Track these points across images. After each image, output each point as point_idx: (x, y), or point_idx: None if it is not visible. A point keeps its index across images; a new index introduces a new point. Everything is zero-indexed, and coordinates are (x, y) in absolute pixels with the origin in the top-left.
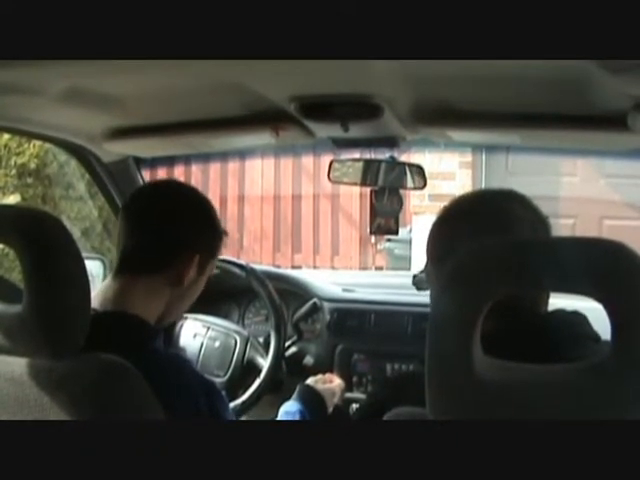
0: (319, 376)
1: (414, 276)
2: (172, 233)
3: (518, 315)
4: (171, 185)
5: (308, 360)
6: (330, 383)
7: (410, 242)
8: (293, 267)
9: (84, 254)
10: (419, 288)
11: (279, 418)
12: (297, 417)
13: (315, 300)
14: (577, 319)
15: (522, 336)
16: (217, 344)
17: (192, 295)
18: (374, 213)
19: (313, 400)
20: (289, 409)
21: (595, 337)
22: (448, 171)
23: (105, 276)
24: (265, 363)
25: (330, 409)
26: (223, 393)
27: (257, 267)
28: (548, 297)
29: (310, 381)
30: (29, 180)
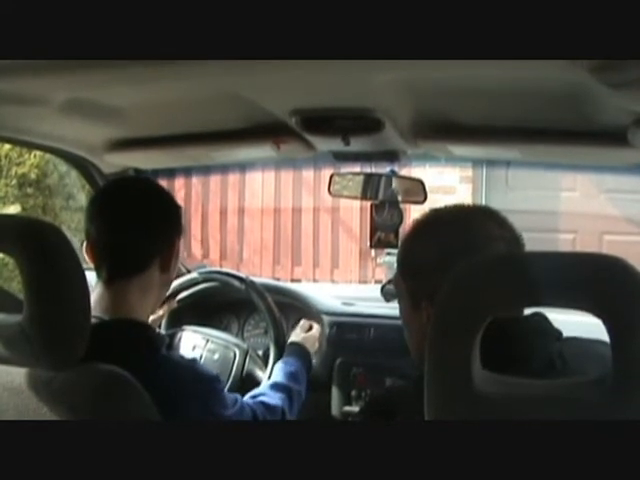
0: (299, 324)
1: (382, 287)
2: (156, 223)
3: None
4: (130, 180)
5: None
6: (310, 330)
7: None
8: (293, 280)
9: (84, 265)
10: (387, 299)
11: (276, 371)
12: (292, 367)
13: (311, 323)
14: (539, 319)
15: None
16: (216, 356)
17: (171, 281)
18: (374, 227)
19: (302, 351)
20: (285, 361)
21: (558, 334)
22: (449, 185)
23: None
24: (264, 376)
25: (313, 356)
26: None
27: (257, 280)
28: None
29: (293, 337)
30: (29, 190)
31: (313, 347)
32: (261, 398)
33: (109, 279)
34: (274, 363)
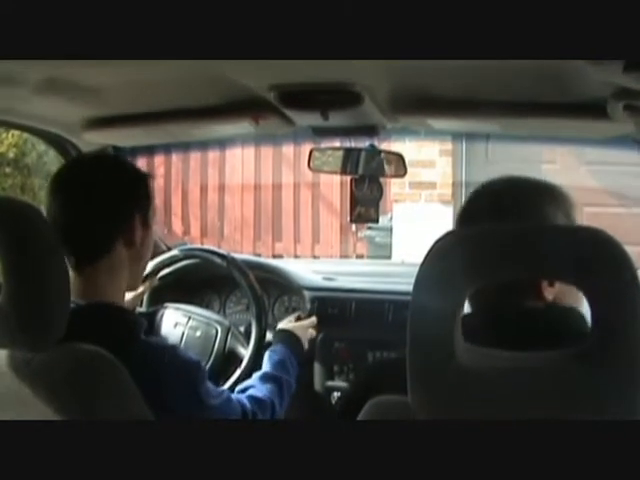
0: (288, 318)
1: None
2: (109, 200)
3: (517, 301)
4: (89, 158)
5: None
6: (300, 320)
7: (391, 230)
8: (274, 256)
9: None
10: None
11: (265, 361)
12: (281, 356)
13: (299, 313)
14: (572, 314)
15: (516, 323)
16: (198, 334)
17: (145, 254)
18: (354, 201)
19: (291, 339)
20: (274, 350)
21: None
22: (428, 159)
23: None
24: (246, 352)
25: (305, 344)
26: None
27: (238, 256)
28: (554, 288)
29: (282, 324)
30: (7, 170)
31: (305, 336)
32: (250, 392)
33: (76, 264)
34: (256, 339)
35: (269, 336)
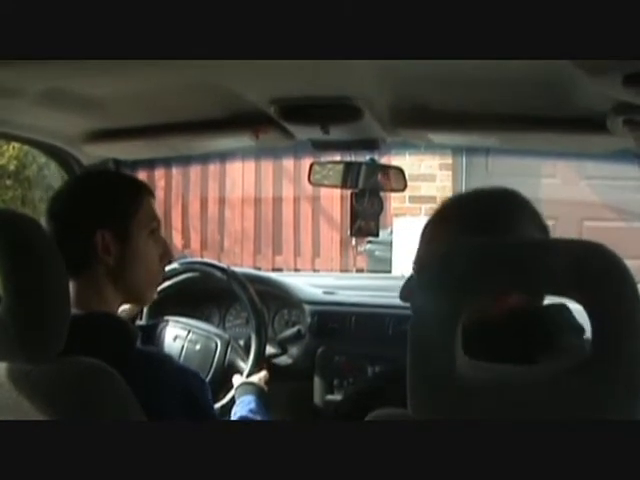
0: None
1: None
2: (75, 220)
3: (516, 302)
4: (77, 176)
5: (289, 362)
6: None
7: (391, 244)
8: (274, 269)
9: None
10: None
11: (235, 412)
12: (252, 405)
13: (300, 327)
14: (562, 310)
15: (515, 326)
16: (198, 347)
17: (134, 267)
18: (355, 215)
19: (254, 390)
20: (240, 402)
21: (579, 328)
22: (428, 173)
23: None
24: (246, 366)
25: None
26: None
27: (238, 269)
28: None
29: (242, 379)
30: (8, 182)
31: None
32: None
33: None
34: (255, 353)
35: (269, 349)
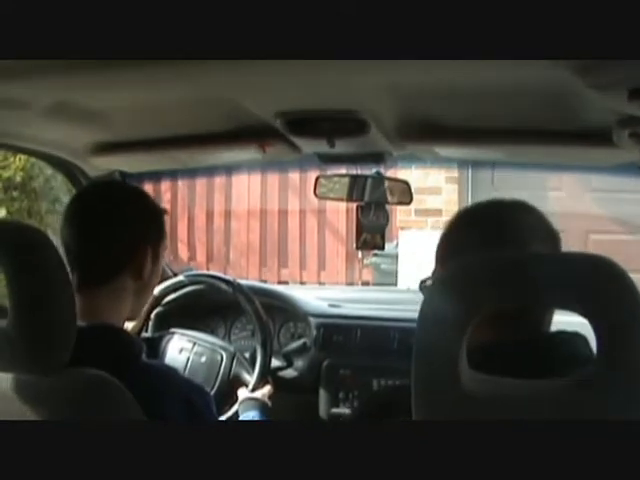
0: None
1: (421, 281)
2: (123, 230)
3: (520, 329)
4: (109, 185)
5: (294, 375)
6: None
7: (396, 257)
8: (280, 282)
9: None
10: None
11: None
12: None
13: (305, 340)
14: (577, 340)
15: (521, 351)
16: (203, 359)
17: (151, 287)
18: (360, 228)
19: (257, 405)
20: (247, 416)
21: (584, 357)
22: (434, 186)
23: None
24: (251, 379)
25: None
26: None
27: (244, 282)
28: (552, 316)
29: (245, 394)
30: (15, 194)
31: (269, 401)
32: None
33: (78, 286)
34: (261, 366)
35: (274, 362)
